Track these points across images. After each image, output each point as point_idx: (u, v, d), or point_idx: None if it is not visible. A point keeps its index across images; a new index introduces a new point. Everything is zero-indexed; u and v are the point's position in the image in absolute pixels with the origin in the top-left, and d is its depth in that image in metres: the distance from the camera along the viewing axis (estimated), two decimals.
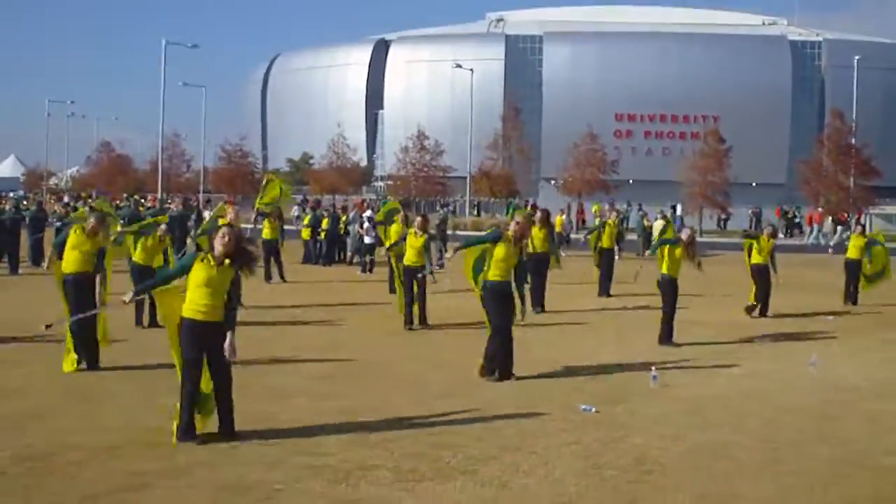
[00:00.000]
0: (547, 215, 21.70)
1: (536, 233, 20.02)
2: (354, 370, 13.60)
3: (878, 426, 10.86)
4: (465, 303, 18.89)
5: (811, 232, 56.84)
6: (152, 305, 17.09)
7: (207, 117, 77.78)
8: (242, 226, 19.51)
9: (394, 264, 18.71)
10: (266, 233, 26.85)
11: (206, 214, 40.25)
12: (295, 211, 52.37)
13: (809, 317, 20.55)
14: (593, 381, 13.02)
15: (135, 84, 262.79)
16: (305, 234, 33.99)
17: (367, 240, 30.05)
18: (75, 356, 13.11)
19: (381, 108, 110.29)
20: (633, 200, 65.14)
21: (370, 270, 29.51)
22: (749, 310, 20.47)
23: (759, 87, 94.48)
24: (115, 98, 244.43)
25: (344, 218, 35.10)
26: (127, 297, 10.23)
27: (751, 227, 61.56)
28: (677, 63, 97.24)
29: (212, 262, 9.52)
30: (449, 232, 28.05)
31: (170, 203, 46.44)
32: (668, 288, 16.44)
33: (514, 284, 13.32)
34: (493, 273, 13.11)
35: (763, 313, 20.37)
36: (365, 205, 45.20)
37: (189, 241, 25.82)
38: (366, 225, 29.99)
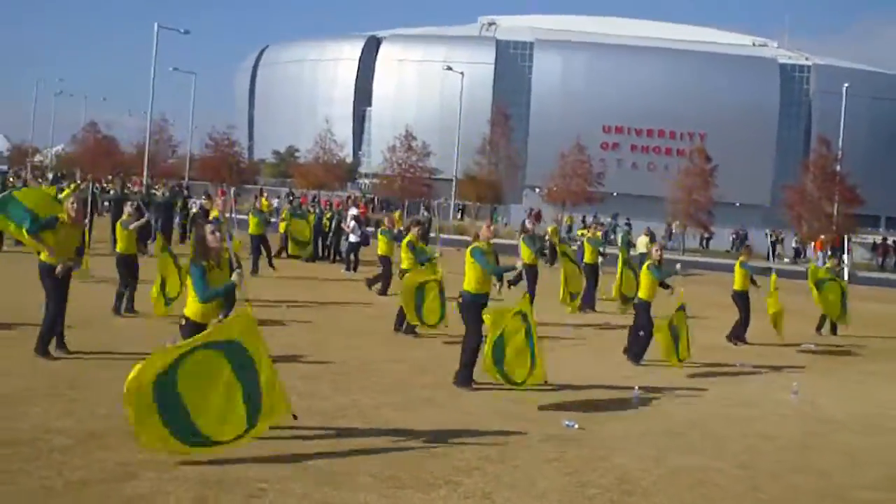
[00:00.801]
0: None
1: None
2: (340, 371, 13.63)
3: (857, 460, 10.95)
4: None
5: (817, 259, 55.98)
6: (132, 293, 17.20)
7: (196, 104, 77.57)
8: (230, 215, 19.49)
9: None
10: (252, 227, 26.85)
11: (192, 203, 40.24)
12: (275, 203, 52.31)
13: (792, 345, 20.61)
14: (577, 397, 13.06)
15: (125, 66, 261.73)
16: (283, 227, 33.89)
17: (351, 238, 30.05)
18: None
19: (370, 105, 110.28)
20: (617, 213, 65.31)
21: (354, 269, 29.51)
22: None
23: (746, 107, 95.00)
24: (104, 78, 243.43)
25: (328, 215, 35.06)
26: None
27: (733, 248, 61.71)
28: (667, 78, 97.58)
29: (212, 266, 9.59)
30: (432, 234, 28.01)
31: (156, 188, 46.37)
32: (642, 311, 16.52)
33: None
34: (476, 286, 13.19)
35: (740, 339, 20.33)
36: (350, 201, 45.18)
37: (175, 229, 25.71)
38: (351, 224, 29.99)
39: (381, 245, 23.94)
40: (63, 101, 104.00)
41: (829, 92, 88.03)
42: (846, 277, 25.15)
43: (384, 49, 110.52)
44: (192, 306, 9.55)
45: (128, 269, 17.26)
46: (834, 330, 22.90)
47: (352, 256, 30.20)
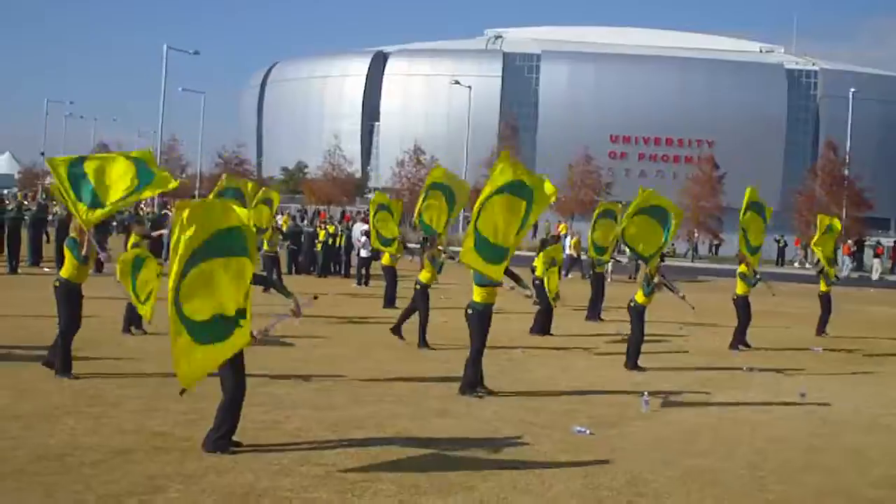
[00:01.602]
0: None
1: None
2: (354, 384, 13.94)
3: (863, 458, 11.22)
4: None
5: (844, 264, 55.68)
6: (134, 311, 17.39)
7: (205, 123, 77.88)
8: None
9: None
10: (266, 246, 27.13)
11: None
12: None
13: (799, 349, 20.86)
14: (587, 404, 13.36)
15: (134, 87, 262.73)
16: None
17: (362, 253, 30.39)
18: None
19: (378, 120, 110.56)
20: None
21: (366, 283, 29.83)
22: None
23: (754, 113, 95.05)
24: (113, 100, 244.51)
25: (331, 228, 35.32)
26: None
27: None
28: (674, 86, 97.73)
29: None
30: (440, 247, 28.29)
31: (169, 208, 46.74)
32: (636, 315, 16.84)
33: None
34: (484, 296, 13.52)
35: (742, 343, 20.60)
36: (359, 216, 45.44)
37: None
38: (362, 239, 30.30)
39: (385, 257, 24.31)
40: (73, 123, 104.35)
41: (836, 96, 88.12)
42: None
43: (391, 64, 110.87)
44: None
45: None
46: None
47: (363, 271, 30.53)
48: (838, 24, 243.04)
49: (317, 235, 34.46)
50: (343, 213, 69.11)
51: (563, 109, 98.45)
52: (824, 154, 69.82)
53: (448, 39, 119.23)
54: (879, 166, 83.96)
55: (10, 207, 32.16)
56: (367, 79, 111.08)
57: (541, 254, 21.34)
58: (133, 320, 17.25)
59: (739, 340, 20.46)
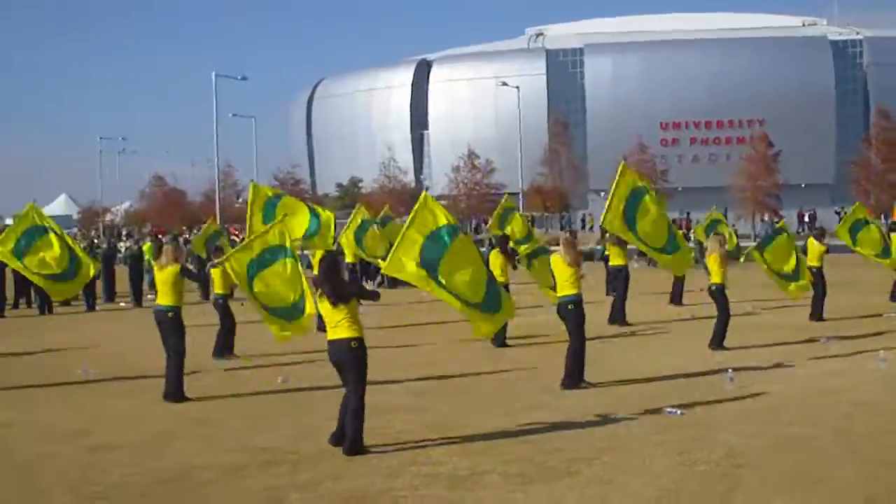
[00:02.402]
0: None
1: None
2: (447, 386, 14.38)
3: None
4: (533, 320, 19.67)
5: None
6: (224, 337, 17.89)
7: (255, 146, 78.60)
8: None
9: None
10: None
11: None
12: None
13: (872, 316, 21.00)
14: (672, 387, 13.69)
15: (182, 116, 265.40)
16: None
17: None
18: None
19: (426, 128, 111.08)
20: (683, 208, 65.52)
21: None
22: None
23: (802, 88, 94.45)
24: (164, 131, 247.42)
25: None
26: None
27: (801, 229, 61.79)
28: (720, 68, 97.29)
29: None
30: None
31: (236, 234, 47.48)
32: (719, 296, 17.08)
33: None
34: (570, 289, 13.84)
35: (818, 317, 20.79)
36: None
37: None
38: None
39: None
40: (126, 158, 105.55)
41: (883, 64, 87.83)
42: None
43: (435, 71, 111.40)
44: (356, 325, 10.48)
45: (224, 310, 17.99)
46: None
47: None
48: None
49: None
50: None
51: (611, 101, 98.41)
52: (876, 122, 69.48)
53: (489, 42, 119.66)
54: None
55: (83, 247, 32.95)
56: (412, 88, 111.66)
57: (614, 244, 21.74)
58: (225, 348, 17.75)
59: (818, 311, 20.70)
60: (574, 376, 13.72)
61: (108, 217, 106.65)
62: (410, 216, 11.59)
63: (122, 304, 30.42)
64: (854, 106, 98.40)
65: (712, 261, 17.10)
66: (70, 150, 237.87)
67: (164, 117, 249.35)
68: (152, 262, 22.71)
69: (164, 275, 13.94)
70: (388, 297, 29.61)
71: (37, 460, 10.62)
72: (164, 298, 14.00)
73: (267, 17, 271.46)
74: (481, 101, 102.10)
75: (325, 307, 10.44)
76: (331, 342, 10.44)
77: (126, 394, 14.69)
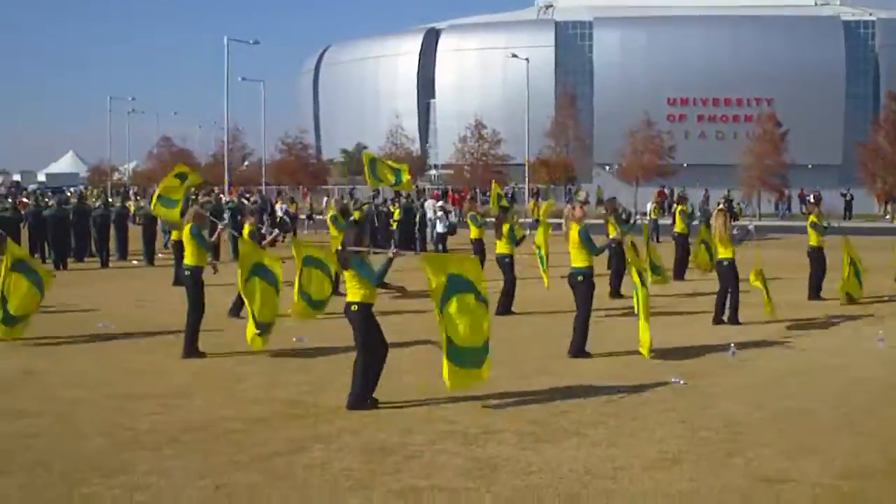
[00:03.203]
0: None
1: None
2: None
3: None
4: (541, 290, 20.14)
5: None
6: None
7: (260, 109, 79.00)
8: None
9: None
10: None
11: (279, 208, 41.68)
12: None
13: (874, 297, 21.43)
14: (676, 357, 14.17)
15: (192, 79, 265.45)
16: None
17: (439, 228, 31.25)
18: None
19: (433, 97, 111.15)
20: (688, 185, 65.86)
21: None
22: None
23: (812, 67, 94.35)
24: (173, 92, 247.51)
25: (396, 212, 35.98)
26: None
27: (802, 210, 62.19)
28: (729, 45, 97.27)
29: None
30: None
31: (248, 196, 47.85)
32: (729, 271, 17.53)
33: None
34: (584, 262, 14.29)
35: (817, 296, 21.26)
36: (437, 194, 46.38)
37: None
38: (439, 213, 31.16)
39: (473, 230, 24.87)
40: (135, 118, 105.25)
41: (895, 45, 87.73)
42: None
43: (444, 40, 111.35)
44: (362, 291, 11.00)
45: None
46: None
47: (440, 246, 31.38)
48: None
49: (392, 214, 35.33)
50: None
51: (618, 75, 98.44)
52: (886, 105, 69.61)
53: (499, 12, 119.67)
54: None
55: (96, 204, 33.48)
56: (420, 56, 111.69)
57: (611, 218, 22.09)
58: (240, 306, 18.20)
59: (816, 291, 21.13)
60: (580, 345, 14.21)
61: (116, 176, 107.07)
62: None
63: (134, 261, 30.90)
64: (864, 87, 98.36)
65: (717, 237, 17.52)
66: (79, 110, 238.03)
67: (174, 80, 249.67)
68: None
69: (182, 235, 14.52)
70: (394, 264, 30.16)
71: (71, 405, 11.16)
72: (185, 258, 14.58)
73: None
74: (489, 72, 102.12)
75: (344, 272, 11.24)
76: (346, 304, 11.14)
77: (146, 349, 15.26)
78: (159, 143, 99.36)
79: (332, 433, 9.89)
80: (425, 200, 40.99)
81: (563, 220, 14.91)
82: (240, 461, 8.96)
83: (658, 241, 33.85)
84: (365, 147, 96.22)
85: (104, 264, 29.58)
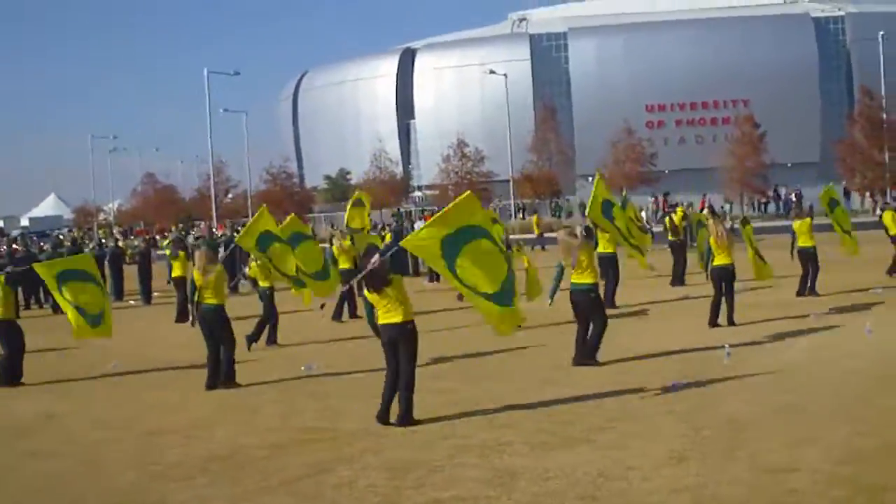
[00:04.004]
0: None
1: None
2: (461, 367, 15.37)
3: None
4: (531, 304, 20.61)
5: None
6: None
7: (242, 140, 79.45)
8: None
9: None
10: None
11: None
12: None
13: (860, 291, 22.00)
14: (673, 362, 14.68)
15: (171, 112, 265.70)
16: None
17: None
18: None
19: (413, 117, 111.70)
20: (671, 191, 66.52)
21: (437, 279, 30.97)
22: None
23: (785, 66, 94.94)
24: (151, 127, 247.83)
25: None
26: None
27: (785, 210, 62.98)
28: (702, 49, 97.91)
29: None
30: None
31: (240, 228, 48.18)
32: (727, 276, 18.09)
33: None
34: (588, 276, 14.85)
35: (810, 292, 21.90)
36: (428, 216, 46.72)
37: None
38: None
39: None
40: (116, 157, 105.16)
41: (866, 39, 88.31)
42: None
43: (420, 60, 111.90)
44: (404, 308, 11.61)
45: (269, 301, 19.12)
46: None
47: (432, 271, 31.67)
48: None
49: (383, 238, 35.67)
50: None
51: (596, 85, 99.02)
52: (860, 100, 70.43)
53: (473, 28, 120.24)
54: None
55: (90, 245, 33.88)
56: (397, 77, 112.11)
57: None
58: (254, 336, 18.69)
59: (810, 289, 21.78)
60: (593, 352, 14.81)
61: (101, 216, 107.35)
62: (451, 204, 11.98)
63: (131, 301, 31.27)
64: (838, 83, 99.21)
65: (719, 243, 18.03)
66: (58, 151, 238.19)
67: (153, 115, 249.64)
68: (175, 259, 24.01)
69: (212, 276, 14.90)
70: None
71: (97, 445, 11.58)
72: (213, 297, 14.98)
73: (252, 12, 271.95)
74: (467, 89, 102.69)
75: (373, 295, 11.64)
76: (385, 325, 11.58)
77: (159, 385, 15.66)
78: (143, 179, 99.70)
79: (354, 454, 10.34)
80: (413, 223, 41.42)
81: (562, 242, 15.28)
82: (269, 486, 9.40)
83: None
84: (348, 172, 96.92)
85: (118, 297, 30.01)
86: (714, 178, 68.85)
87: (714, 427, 10.55)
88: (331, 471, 9.77)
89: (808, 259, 22.06)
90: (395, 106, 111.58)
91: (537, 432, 10.78)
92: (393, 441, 10.81)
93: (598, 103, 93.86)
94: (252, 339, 18.47)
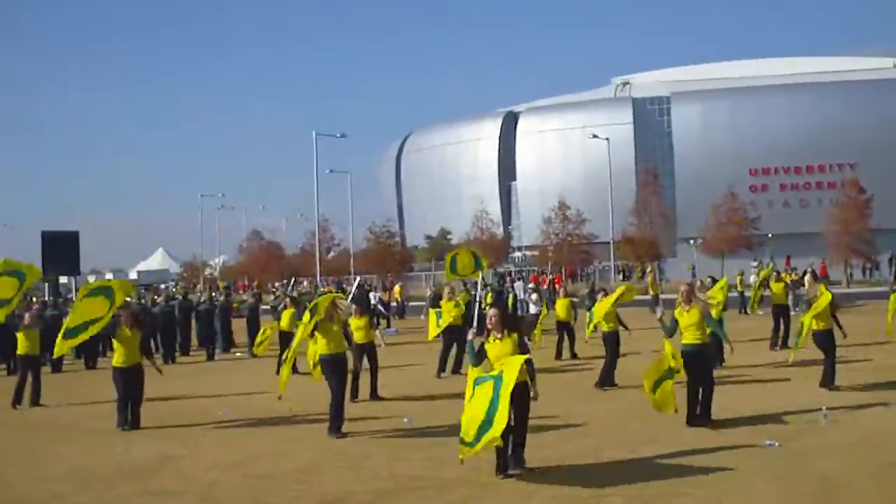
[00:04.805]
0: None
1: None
2: (561, 425, 15.66)
3: None
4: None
5: None
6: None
7: (346, 199, 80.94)
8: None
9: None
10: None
11: (372, 296, 42.88)
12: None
13: None
14: (772, 421, 14.83)
15: (277, 172, 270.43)
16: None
17: (532, 309, 32.09)
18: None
19: (514, 179, 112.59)
20: (775, 255, 65.94)
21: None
22: None
23: (891, 130, 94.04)
24: (258, 185, 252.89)
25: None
26: None
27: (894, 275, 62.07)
28: (810, 113, 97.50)
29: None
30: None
31: (345, 286, 49.08)
32: (825, 340, 18.23)
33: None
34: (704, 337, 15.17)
35: None
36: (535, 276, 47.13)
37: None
38: (534, 296, 32.06)
39: (559, 311, 25.95)
40: (223, 214, 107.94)
41: None
42: None
43: (523, 122, 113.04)
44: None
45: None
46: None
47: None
48: None
49: (484, 297, 36.23)
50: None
51: (698, 148, 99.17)
52: None
53: (576, 92, 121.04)
54: None
55: (202, 300, 34.89)
56: (500, 140, 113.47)
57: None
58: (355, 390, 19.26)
59: None
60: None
61: (207, 271, 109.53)
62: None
63: (237, 353, 32.10)
64: None
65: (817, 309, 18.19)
66: (167, 208, 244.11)
67: (261, 174, 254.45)
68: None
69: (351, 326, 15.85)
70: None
71: (212, 487, 12.14)
72: (338, 347, 15.84)
73: (358, 74, 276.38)
74: (569, 152, 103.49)
75: (494, 346, 12.31)
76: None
77: (266, 433, 16.21)
78: (249, 236, 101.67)
79: (457, 501, 10.75)
80: (514, 283, 41.87)
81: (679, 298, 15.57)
82: None
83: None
84: (449, 232, 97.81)
85: (210, 357, 30.85)
86: (818, 244, 68.10)
87: (808, 486, 10.76)
88: None
89: None
90: (496, 167, 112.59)
91: (631, 486, 11.07)
92: (493, 490, 11.19)
93: (701, 166, 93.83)
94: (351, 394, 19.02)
